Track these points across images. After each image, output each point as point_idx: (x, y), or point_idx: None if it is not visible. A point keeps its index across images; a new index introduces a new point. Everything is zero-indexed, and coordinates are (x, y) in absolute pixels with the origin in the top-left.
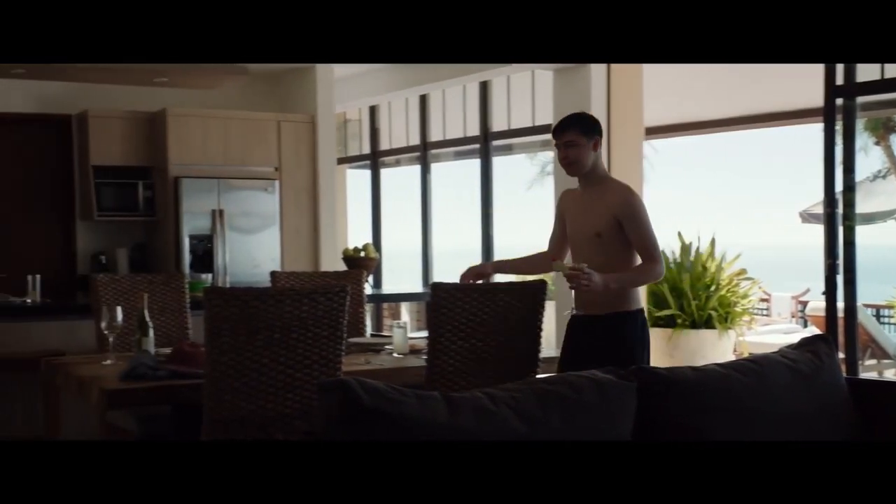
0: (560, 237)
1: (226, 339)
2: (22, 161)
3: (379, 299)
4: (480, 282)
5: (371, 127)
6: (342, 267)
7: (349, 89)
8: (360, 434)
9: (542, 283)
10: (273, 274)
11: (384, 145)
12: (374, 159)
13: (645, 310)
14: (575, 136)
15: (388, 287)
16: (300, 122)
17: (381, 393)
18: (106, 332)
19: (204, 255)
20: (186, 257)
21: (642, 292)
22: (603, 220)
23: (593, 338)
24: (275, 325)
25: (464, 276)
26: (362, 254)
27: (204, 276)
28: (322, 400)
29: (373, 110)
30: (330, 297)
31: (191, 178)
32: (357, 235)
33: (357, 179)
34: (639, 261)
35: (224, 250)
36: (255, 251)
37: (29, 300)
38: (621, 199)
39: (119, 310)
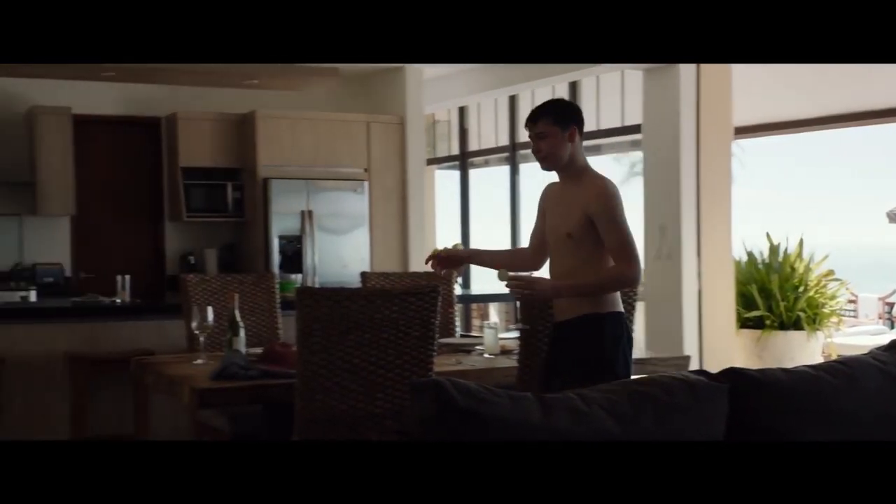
0: (538, 234)
1: (317, 339)
2: (112, 162)
3: (468, 300)
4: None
5: (460, 128)
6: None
7: (438, 90)
8: (453, 435)
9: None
10: (363, 274)
11: (473, 146)
12: (463, 160)
13: (623, 313)
14: (547, 126)
15: (478, 288)
16: (389, 124)
17: (474, 393)
18: (196, 331)
19: (293, 255)
20: (276, 258)
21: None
22: (574, 220)
23: (561, 347)
24: (366, 325)
25: (437, 261)
26: None
27: (293, 276)
28: (414, 400)
29: (462, 111)
30: (421, 297)
31: (280, 180)
32: (446, 236)
33: (446, 180)
34: None
35: (313, 251)
36: (343, 252)
37: (118, 300)
38: (592, 194)
39: (210, 310)
